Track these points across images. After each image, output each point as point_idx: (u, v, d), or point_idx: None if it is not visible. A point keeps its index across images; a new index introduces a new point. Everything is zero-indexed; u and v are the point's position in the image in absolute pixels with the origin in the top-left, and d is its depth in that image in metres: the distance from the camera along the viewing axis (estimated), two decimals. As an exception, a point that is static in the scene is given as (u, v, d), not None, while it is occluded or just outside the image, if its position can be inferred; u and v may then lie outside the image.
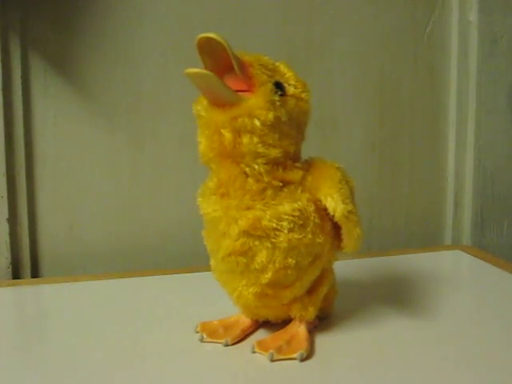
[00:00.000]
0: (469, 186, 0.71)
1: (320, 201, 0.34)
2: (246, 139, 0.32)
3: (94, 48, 0.59)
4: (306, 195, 0.34)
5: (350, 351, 0.36)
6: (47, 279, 0.57)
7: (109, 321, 0.43)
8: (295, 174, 0.35)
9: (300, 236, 0.33)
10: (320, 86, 0.65)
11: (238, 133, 0.32)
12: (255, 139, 0.32)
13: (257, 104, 0.32)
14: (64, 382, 0.33)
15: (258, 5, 0.63)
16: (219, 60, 0.32)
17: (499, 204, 0.72)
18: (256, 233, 0.33)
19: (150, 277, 0.54)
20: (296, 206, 0.34)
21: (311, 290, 0.37)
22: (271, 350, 0.35)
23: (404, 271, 0.54)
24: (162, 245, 0.62)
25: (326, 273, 0.38)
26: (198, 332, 0.38)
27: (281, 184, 0.34)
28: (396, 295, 0.47)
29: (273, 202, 0.34)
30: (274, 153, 0.33)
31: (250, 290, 0.35)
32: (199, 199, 0.36)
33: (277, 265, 0.34)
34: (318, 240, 0.35)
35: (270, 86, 0.33)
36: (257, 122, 0.32)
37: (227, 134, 0.32)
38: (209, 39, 0.30)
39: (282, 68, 0.35)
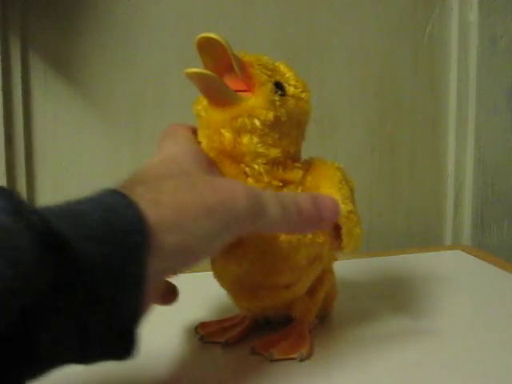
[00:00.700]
0: (469, 186, 0.71)
1: None
2: (245, 139, 0.32)
3: (94, 48, 0.59)
4: None
5: (349, 351, 0.36)
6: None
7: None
8: (295, 174, 0.35)
9: (300, 236, 0.33)
10: (320, 85, 0.65)
11: (237, 133, 0.32)
12: (255, 139, 0.32)
13: (257, 104, 0.32)
14: (63, 381, 0.33)
15: (258, 5, 0.63)
16: (219, 60, 0.32)
17: (499, 204, 0.72)
18: None
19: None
20: None
21: (311, 290, 0.37)
22: (271, 350, 0.35)
23: (404, 271, 0.54)
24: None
25: (326, 273, 0.38)
26: (197, 332, 0.38)
27: (281, 184, 0.34)
28: (396, 295, 0.47)
29: None
30: (274, 153, 0.33)
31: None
32: None
33: (277, 265, 0.34)
34: (318, 240, 0.34)
35: (269, 85, 0.33)
36: (257, 122, 0.32)
37: (227, 134, 0.32)
38: (209, 39, 0.30)
39: (282, 68, 0.35)
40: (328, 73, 0.66)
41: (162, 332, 0.40)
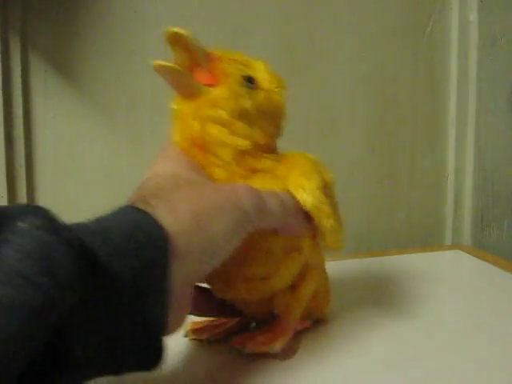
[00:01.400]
0: (469, 186, 0.71)
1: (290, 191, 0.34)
2: (212, 129, 0.33)
3: (94, 48, 0.59)
4: (278, 184, 0.34)
5: (348, 351, 0.36)
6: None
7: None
8: (263, 164, 0.34)
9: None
10: (320, 86, 0.65)
11: (205, 124, 0.33)
12: (222, 129, 0.33)
13: (221, 95, 0.32)
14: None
15: (258, 5, 0.63)
16: (190, 54, 0.32)
17: (499, 204, 0.72)
18: None
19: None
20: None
21: (294, 286, 0.37)
22: (245, 343, 0.35)
23: (404, 271, 0.54)
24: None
25: (309, 269, 0.37)
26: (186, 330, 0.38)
27: (249, 173, 0.34)
28: (396, 295, 0.47)
29: None
30: (243, 143, 0.33)
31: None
32: None
33: (251, 254, 0.33)
34: None
35: (237, 78, 0.33)
36: (222, 113, 0.32)
37: (195, 125, 0.33)
38: (175, 34, 0.31)
39: (258, 65, 0.36)
40: (328, 73, 0.66)
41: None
